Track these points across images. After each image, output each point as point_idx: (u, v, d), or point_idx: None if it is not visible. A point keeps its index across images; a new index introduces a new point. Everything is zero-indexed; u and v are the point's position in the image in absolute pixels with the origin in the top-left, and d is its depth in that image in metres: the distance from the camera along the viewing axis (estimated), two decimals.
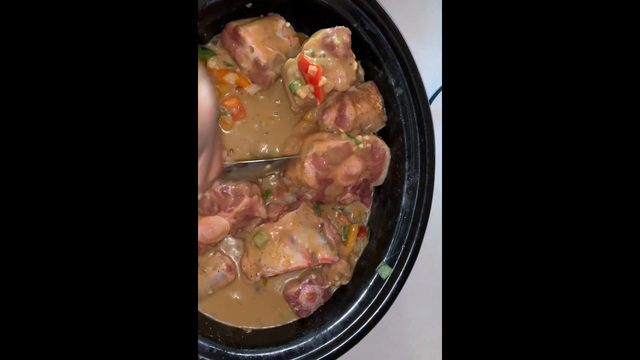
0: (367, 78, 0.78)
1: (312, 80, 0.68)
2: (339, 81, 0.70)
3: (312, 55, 0.69)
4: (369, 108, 0.75)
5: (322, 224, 0.75)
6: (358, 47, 0.72)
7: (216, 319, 0.75)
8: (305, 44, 0.70)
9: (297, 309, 0.75)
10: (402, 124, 0.73)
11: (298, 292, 0.74)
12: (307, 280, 0.74)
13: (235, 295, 0.76)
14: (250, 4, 0.73)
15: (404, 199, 0.73)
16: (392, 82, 0.72)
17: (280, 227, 0.73)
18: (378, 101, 0.76)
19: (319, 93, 0.69)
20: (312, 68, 0.67)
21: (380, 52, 0.71)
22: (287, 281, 0.77)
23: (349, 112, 0.73)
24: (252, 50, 0.71)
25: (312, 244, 0.73)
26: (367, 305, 0.72)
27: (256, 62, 0.72)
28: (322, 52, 0.69)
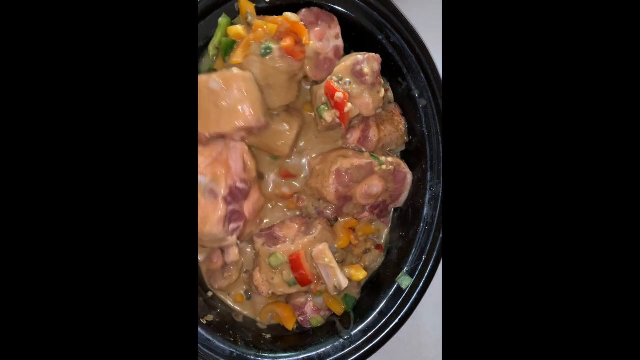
0: (391, 88, 0.78)
1: (338, 106, 0.69)
2: (365, 108, 0.70)
3: (340, 80, 0.70)
4: (392, 130, 0.76)
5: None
6: (382, 59, 0.72)
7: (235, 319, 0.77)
8: (335, 69, 0.71)
9: (302, 319, 0.76)
10: (425, 135, 0.73)
11: (305, 303, 0.75)
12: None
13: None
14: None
15: (425, 209, 0.73)
16: (416, 93, 0.73)
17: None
18: (401, 123, 0.76)
19: (344, 118, 0.70)
20: (338, 95, 0.68)
21: (404, 63, 0.72)
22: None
23: (373, 133, 0.74)
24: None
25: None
26: (387, 314, 0.72)
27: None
28: (349, 79, 0.69)
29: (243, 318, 0.78)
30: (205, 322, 0.72)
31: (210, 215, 0.66)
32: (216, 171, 0.66)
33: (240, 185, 0.68)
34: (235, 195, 0.68)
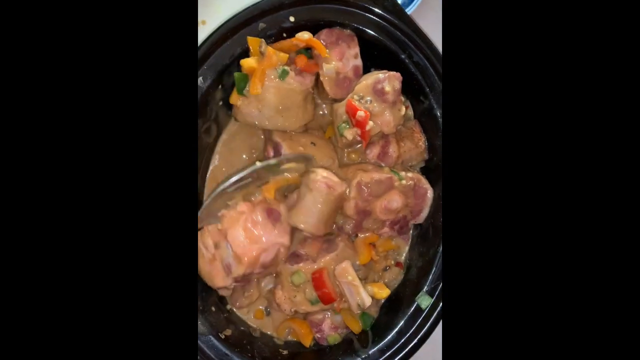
0: (412, 106, 0.79)
1: (359, 124, 0.69)
2: (386, 126, 0.71)
3: (361, 99, 0.70)
4: (412, 146, 0.76)
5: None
6: (404, 78, 0.73)
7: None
8: (356, 88, 0.72)
9: (319, 336, 0.75)
10: None
11: (322, 320, 0.75)
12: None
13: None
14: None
15: None
16: (438, 112, 0.73)
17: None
18: (421, 140, 0.77)
19: (365, 136, 0.70)
20: (360, 114, 0.68)
21: (426, 82, 0.73)
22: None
23: (393, 149, 0.74)
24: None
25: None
26: (405, 334, 0.71)
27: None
28: (370, 98, 0.70)
29: (260, 333, 0.78)
30: (223, 336, 0.72)
31: (216, 280, 0.69)
32: (243, 256, 0.66)
33: (258, 270, 0.69)
34: (248, 276, 0.69)
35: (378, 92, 0.70)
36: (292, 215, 0.70)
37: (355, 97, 0.70)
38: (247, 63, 0.69)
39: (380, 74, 0.71)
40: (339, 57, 0.73)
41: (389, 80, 0.70)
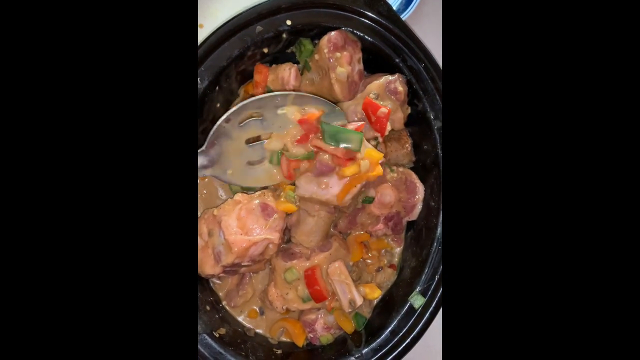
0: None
1: (379, 120, 0.71)
2: (398, 122, 0.75)
3: (377, 97, 0.73)
4: (399, 147, 0.78)
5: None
6: None
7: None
8: (368, 87, 0.74)
9: (312, 336, 0.76)
10: (439, 156, 0.74)
11: (315, 320, 0.75)
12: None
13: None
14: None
15: (439, 229, 0.74)
16: (431, 115, 0.74)
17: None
18: (408, 142, 0.79)
19: (383, 132, 0.73)
20: (382, 110, 0.71)
21: (420, 86, 0.74)
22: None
23: (380, 148, 0.76)
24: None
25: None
26: (398, 334, 0.72)
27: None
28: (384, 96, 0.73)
29: (255, 333, 0.78)
30: (217, 335, 0.72)
31: (206, 267, 0.70)
32: (233, 246, 0.66)
33: (246, 262, 0.69)
34: (237, 266, 0.70)
35: (392, 91, 0.73)
36: (296, 235, 0.72)
37: (372, 95, 0.73)
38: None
39: (389, 75, 0.74)
40: (348, 60, 0.73)
41: (400, 81, 0.73)
